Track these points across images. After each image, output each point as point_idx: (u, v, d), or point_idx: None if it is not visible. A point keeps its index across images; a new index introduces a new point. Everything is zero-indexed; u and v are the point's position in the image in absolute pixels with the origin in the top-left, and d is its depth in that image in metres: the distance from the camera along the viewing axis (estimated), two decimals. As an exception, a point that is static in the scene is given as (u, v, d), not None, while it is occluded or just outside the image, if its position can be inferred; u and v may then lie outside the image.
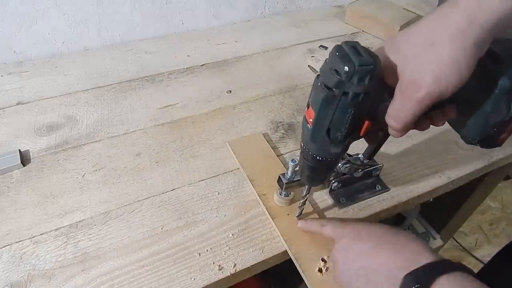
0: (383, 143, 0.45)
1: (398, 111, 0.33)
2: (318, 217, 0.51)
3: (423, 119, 0.35)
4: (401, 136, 0.35)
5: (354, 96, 0.31)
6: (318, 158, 0.38)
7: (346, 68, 0.29)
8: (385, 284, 0.34)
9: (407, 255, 0.34)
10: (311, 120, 0.35)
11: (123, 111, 0.69)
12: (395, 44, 0.33)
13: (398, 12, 0.97)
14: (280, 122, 0.68)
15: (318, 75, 0.33)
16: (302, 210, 0.49)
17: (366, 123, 0.35)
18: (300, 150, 0.41)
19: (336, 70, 0.30)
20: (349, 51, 0.30)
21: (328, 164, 0.40)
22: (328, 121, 0.34)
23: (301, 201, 0.48)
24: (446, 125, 0.70)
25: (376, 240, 0.38)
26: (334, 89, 0.31)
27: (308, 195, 0.47)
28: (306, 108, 0.36)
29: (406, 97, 0.32)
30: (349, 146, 0.38)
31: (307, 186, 0.46)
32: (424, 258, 0.33)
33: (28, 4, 0.77)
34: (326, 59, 0.32)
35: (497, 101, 0.33)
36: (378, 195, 0.55)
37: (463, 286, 0.29)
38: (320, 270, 0.44)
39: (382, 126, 0.36)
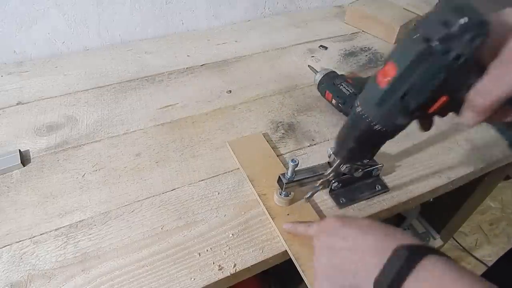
0: None
1: (491, 86, 0.29)
2: (318, 217, 0.51)
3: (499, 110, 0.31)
4: (477, 123, 0.31)
5: (455, 57, 0.27)
6: (376, 127, 0.33)
7: (463, 21, 0.25)
8: (375, 258, 0.34)
9: (397, 239, 0.35)
10: (387, 79, 0.30)
11: (123, 111, 0.69)
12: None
13: (398, 12, 0.97)
14: (280, 122, 0.68)
15: (412, 28, 0.29)
16: (316, 192, 0.48)
17: (443, 98, 0.30)
18: (347, 117, 0.36)
19: (446, 22, 0.26)
20: (464, 6, 0.26)
21: (382, 137, 0.35)
22: (411, 82, 0.29)
23: (323, 180, 0.44)
24: (446, 125, 0.69)
25: (363, 227, 0.38)
26: (435, 43, 0.27)
27: (332, 174, 0.42)
28: (382, 66, 0.31)
29: (507, 69, 0.28)
30: (410, 123, 0.34)
31: (336, 163, 0.41)
32: (413, 242, 0.34)
33: (28, 4, 0.77)
34: (431, 10, 0.28)
35: None
36: (378, 195, 0.55)
37: (448, 267, 0.30)
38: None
39: (456, 107, 0.32)
